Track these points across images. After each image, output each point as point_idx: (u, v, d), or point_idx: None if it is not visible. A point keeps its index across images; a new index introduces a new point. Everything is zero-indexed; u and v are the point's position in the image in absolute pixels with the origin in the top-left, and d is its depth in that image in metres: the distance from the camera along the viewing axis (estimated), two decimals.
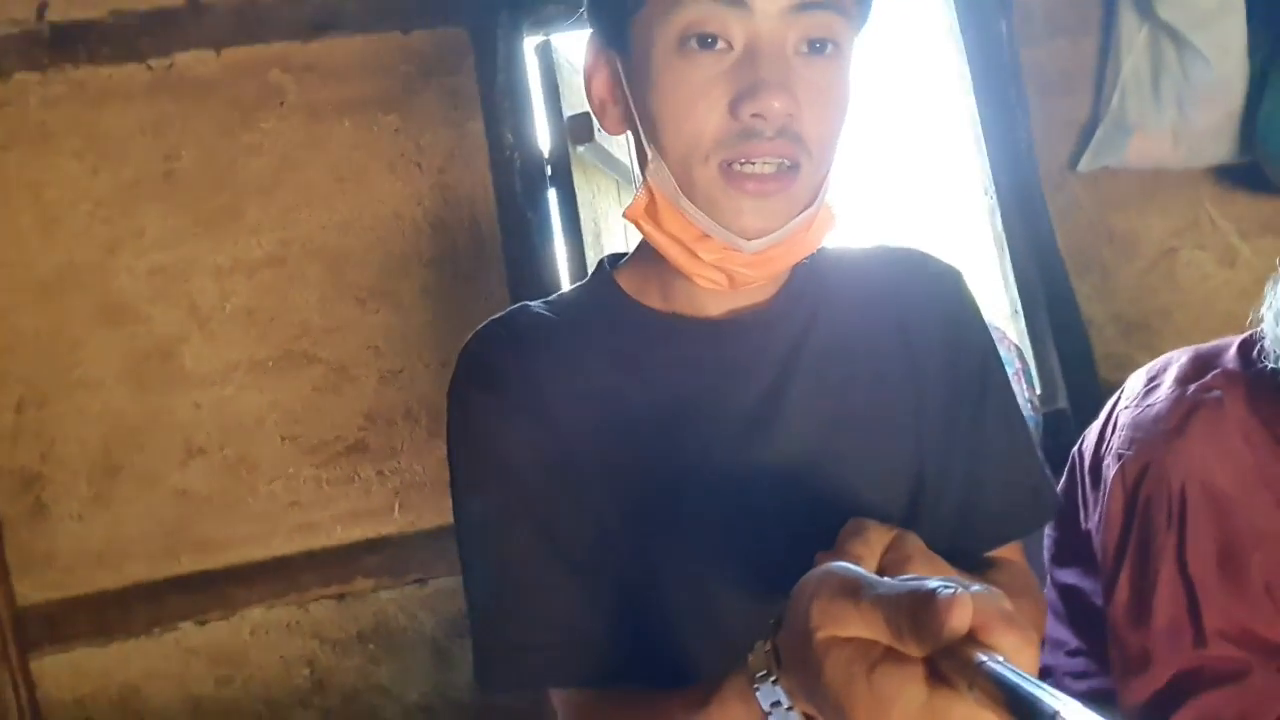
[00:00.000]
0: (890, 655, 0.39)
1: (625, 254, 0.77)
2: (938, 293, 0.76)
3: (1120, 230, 1.94)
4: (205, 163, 1.79)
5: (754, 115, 0.59)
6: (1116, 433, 1.13)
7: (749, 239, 0.62)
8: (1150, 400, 1.11)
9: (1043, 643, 1.11)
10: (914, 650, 0.38)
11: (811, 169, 0.63)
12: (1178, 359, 1.15)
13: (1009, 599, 0.38)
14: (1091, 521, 1.15)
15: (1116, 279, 1.93)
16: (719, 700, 0.50)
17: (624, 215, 0.68)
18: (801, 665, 0.42)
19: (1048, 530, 1.25)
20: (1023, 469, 0.75)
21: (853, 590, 0.40)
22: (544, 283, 1.82)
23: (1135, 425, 1.09)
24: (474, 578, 0.69)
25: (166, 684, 1.73)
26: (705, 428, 0.67)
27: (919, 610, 0.37)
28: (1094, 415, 1.26)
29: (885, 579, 0.41)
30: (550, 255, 1.85)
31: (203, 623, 1.74)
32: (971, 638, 0.36)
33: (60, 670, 1.71)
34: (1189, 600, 0.99)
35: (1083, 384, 1.89)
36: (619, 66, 0.66)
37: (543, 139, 1.87)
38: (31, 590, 1.71)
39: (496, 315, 0.74)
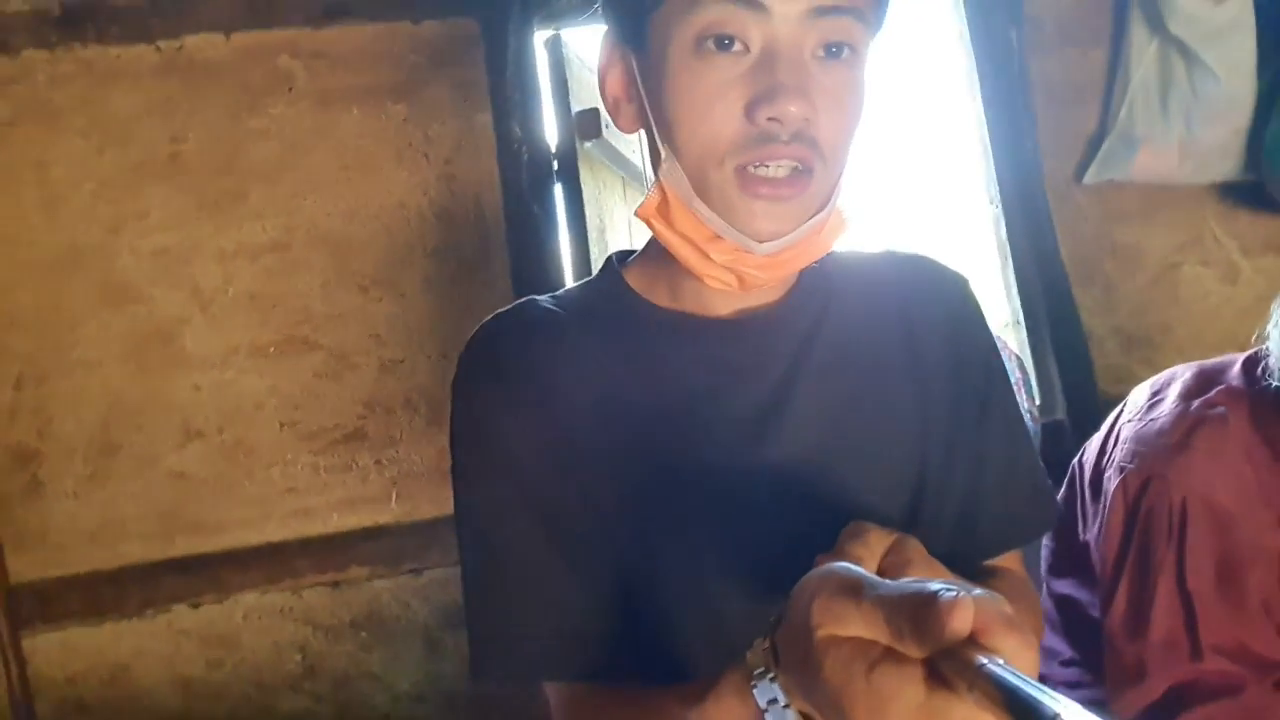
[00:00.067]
0: (890, 655, 0.39)
1: (633, 251, 0.77)
2: (944, 298, 0.76)
3: (1124, 243, 1.94)
4: (211, 146, 1.79)
5: (770, 119, 0.59)
6: (1119, 445, 1.13)
7: (761, 241, 0.62)
8: (1154, 414, 1.11)
9: None
10: (914, 651, 0.38)
11: (825, 173, 0.63)
12: (1182, 374, 1.15)
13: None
14: (1090, 533, 1.16)
15: (1119, 292, 1.93)
16: (715, 697, 0.50)
17: (635, 214, 0.68)
18: (800, 663, 0.42)
19: (1045, 540, 1.26)
20: (1025, 477, 0.75)
21: (854, 590, 0.40)
22: (547, 277, 1.82)
23: (1138, 439, 1.10)
24: (472, 568, 0.69)
25: (157, 665, 1.73)
26: (710, 426, 0.67)
27: (920, 611, 0.37)
28: (1092, 427, 1.26)
29: (886, 580, 0.41)
30: (554, 250, 1.85)
31: (196, 605, 1.74)
32: (972, 640, 0.36)
33: (51, 648, 1.71)
34: (1186, 614, 0.99)
35: (1082, 396, 1.89)
36: (634, 64, 0.66)
37: (550, 133, 1.87)
38: (25, 568, 1.71)
39: (503, 308, 0.73)
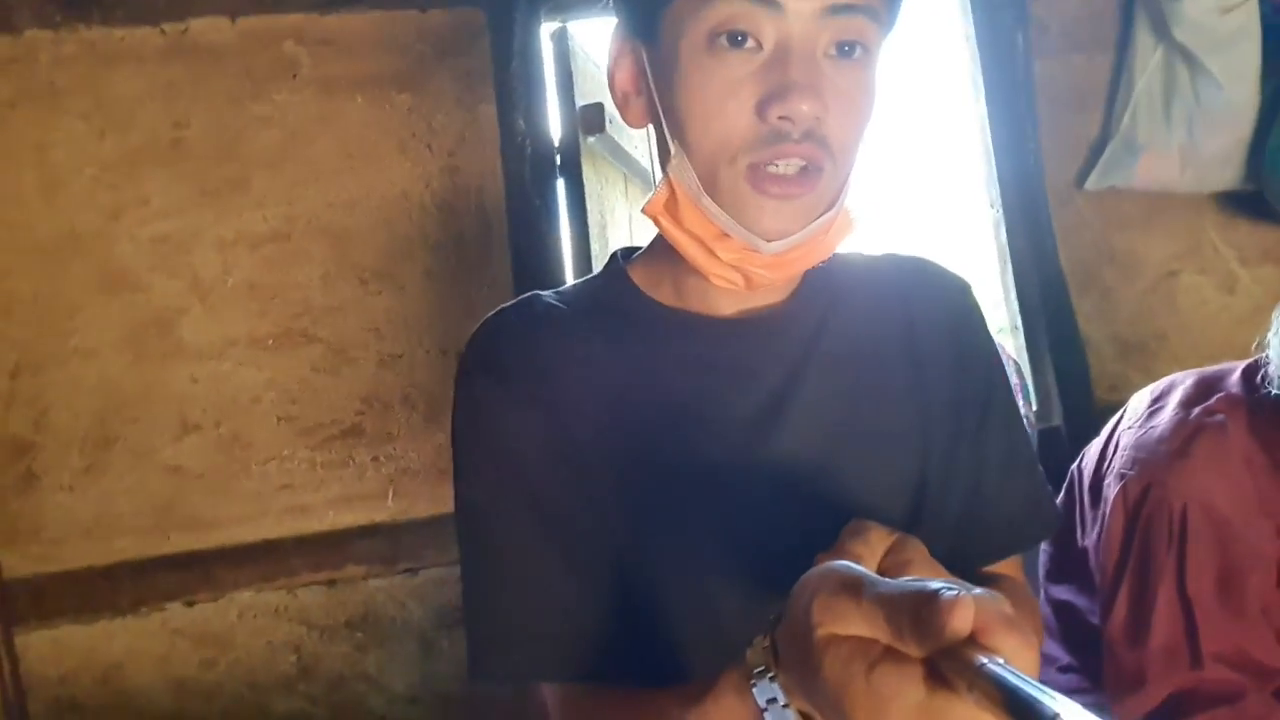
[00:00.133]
0: (890, 654, 0.39)
1: (638, 248, 0.77)
2: (945, 302, 0.76)
3: (1122, 250, 1.95)
4: (214, 132, 1.76)
5: (781, 118, 0.59)
6: (1119, 452, 1.14)
7: (769, 240, 0.62)
8: (1154, 421, 1.13)
9: None
10: (914, 650, 0.38)
11: (834, 172, 0.63)
12: (1182, 381, 1.16)
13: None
14: (1089, 539, 1.17)
15: (1117, 299, 1.95)
16: (715, 696, 0.50)
17: (643, 211, 0.68)
18: (800, 662, 0.42)
19: (1044, 546, 1.27)
20: (1025, 482, 0.76)
21: (854, 588, 0.40)
22: (548, 272, 1.81)
23: (1138, 446, 1.11)
24: (472, 565, 0.68)
25: (150, 664, 1.70)
26: (711, 425, 0.67)
27: (921, 610, 0.37)
28: (1088, 434, 1.27)
29: (887, 579, 0.41)
30: (556, 244, 1.84)
31: (190, 603, 1.71)
32: (972, 640, 0.36)
33: (44, 646, 1.68)
34: (1186, 621, 1.01)
35: (1078, 402, 1.90)
36: (644, 58, 0.66)
37: (554, 127, 1.85)
38: (18, 563, 1.67)
39: (507, 304, 0.73)
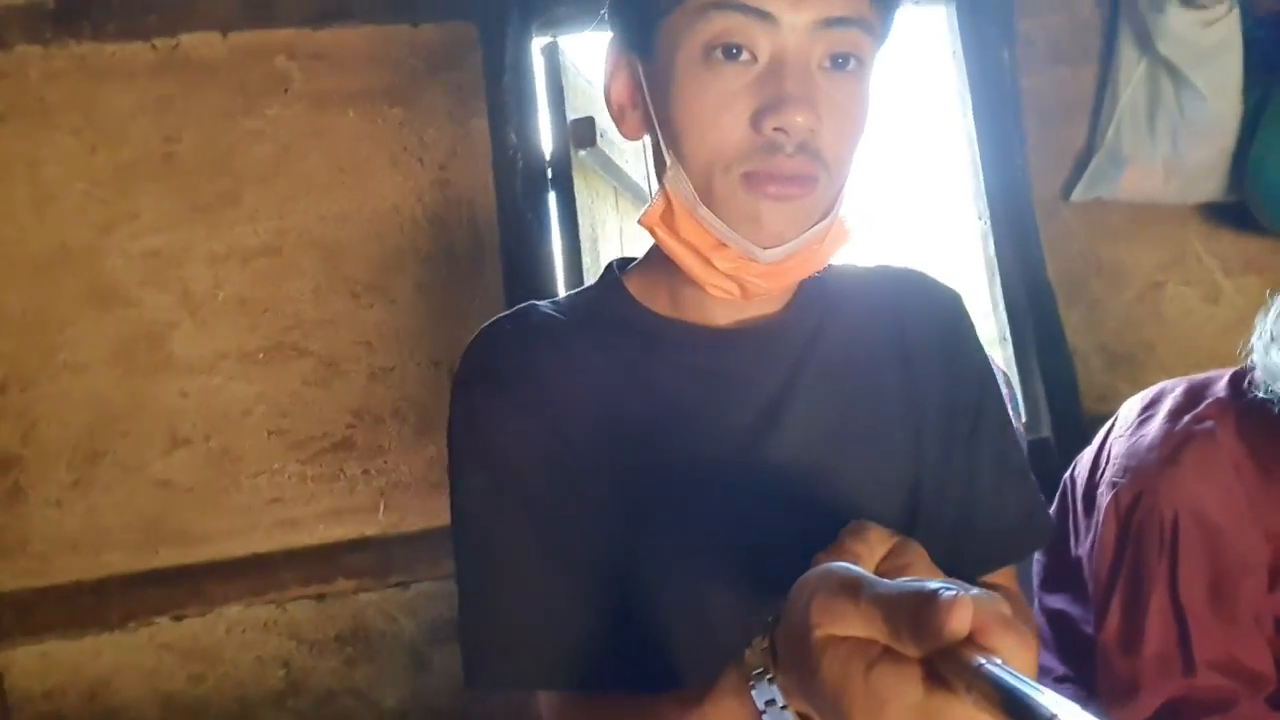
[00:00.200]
0: (888, 655, 0.39)
1: (633, 259, 0.77)
2: (937, 313, 0.77)
3: (1109, 261, 1.97)
4: (205, 147, 1.76)
5: (776, 129, 0.59)
6: (1111, 461, 1.15)
7: (766, 247, 0.62)
8: (1145, 430, 1.13)
9: None
10: (912, 651, 0.38)
11: (829, 182, 0.63)
12: (1172, 389, 1.17)
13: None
14: (1082, 548, 1.17)
15: (1104, 310, 1.96)
16: (713, 699, 0.50)
17: (639, 222, 0.68)
18: (799, 663, 0.42)
19: (1037, 555, 1.27)
20: (1018, 491, 0.76)
21: (852, 589, 0.40)
22: (539, 284, 1.81)
23: (1129, 454, 1.12)
24: (467, 573, 0.67)
25: (138, 679, 1.68)
26: (706, 434, 0.67)
27: (920, 610, 0.37)
28: (1078, 445, 1.27)
29: (885, 580, 0.41)
30: (547, 257, 1.84)
31: (179, 618, 1.69)
32: (970, 640, 0.36)
33: (30, 661, 1.66)
34: (1179, 629, 1.01)
35: (1066, 413, 1.91)
36: (640, 71, 0.66)
37: (545, 141, 1.86)
38: (4, 578, 1.66)
39: (504, 313, 0.73)
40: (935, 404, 0.72)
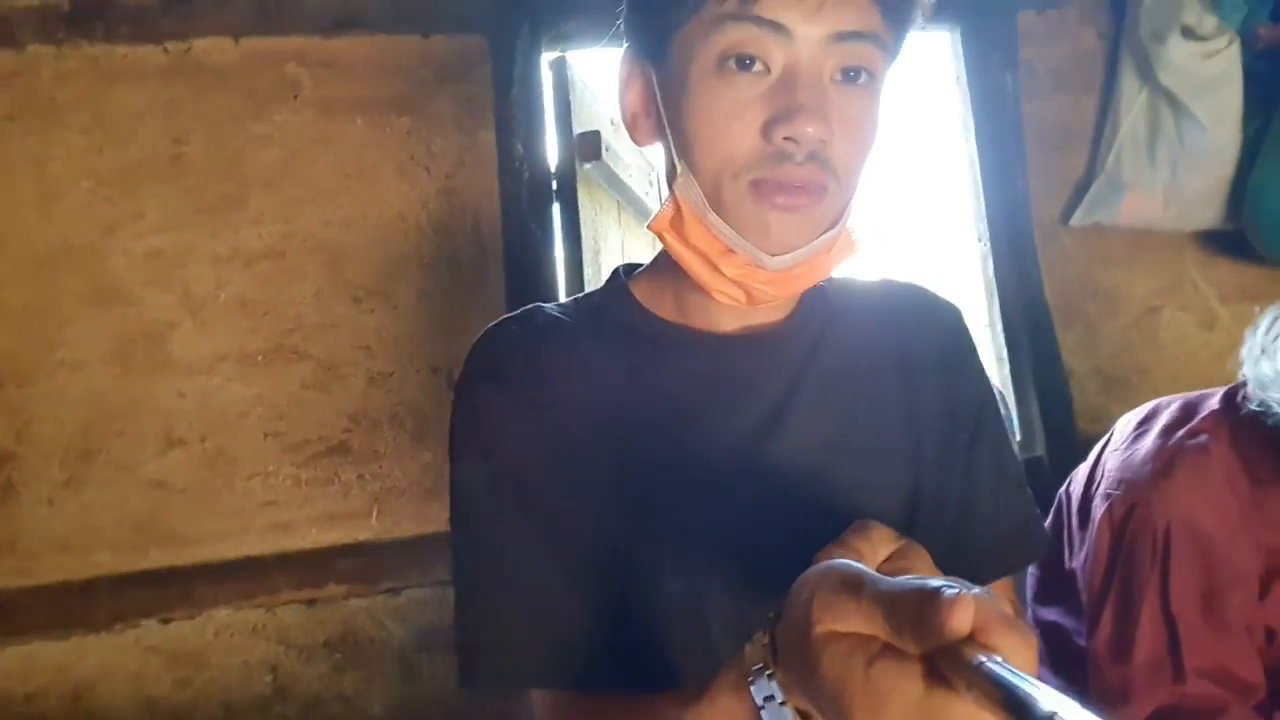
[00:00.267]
0: (889, 652, 0.39)
1: (639, 265, 0.78)
2: (938, 327, 0.77)
3: (1106, 286, 1.99)
4: (213, 150, 1.77)
5: (786, 139, 0.60)
6: (1105, 474, 1.16)
7: (773, 255, 0.63)
8: (1139, 444, 1.15)
9: None
10: (913, 648, 0.38)
11: (838, 193, 0.64)
12: (1167, 406, 1.19)
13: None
14: (1076, 561, 1.18)
15: (1100, 333, 1.97)
16: (711, 695, 0.50)
17: (649, 226, 0.69)
18: (799, 659, 0.42)
19: (1032, 568, 1.28)
20: (1015, 502, 0.76)
21: (854, 585, 0.40)
22: (542, 294, 1.82)
23: (1124, 467, 1.13)
24: (465, 571, 0.67)
25: (123, 682, 1.65)
26: (709, 435, 0.67)
27: (921, 608, 0.37)
28: (1071, 464, 1.29)
29: (886, 577, 0.41)
30: (550, 269, 1.85)
31: (166, 621, 1.67)
32: (971, 638, 0.36)
33: (13, 662, 1.63)
34: (1170, 638, 1.02)
35: (1061, 433, 1.92)
36: (654, 80, 0.67)
37: (551, 154, 1.87)
38: None
39: (510, 314, 0.74)
40: (935, 415, 0.73)
